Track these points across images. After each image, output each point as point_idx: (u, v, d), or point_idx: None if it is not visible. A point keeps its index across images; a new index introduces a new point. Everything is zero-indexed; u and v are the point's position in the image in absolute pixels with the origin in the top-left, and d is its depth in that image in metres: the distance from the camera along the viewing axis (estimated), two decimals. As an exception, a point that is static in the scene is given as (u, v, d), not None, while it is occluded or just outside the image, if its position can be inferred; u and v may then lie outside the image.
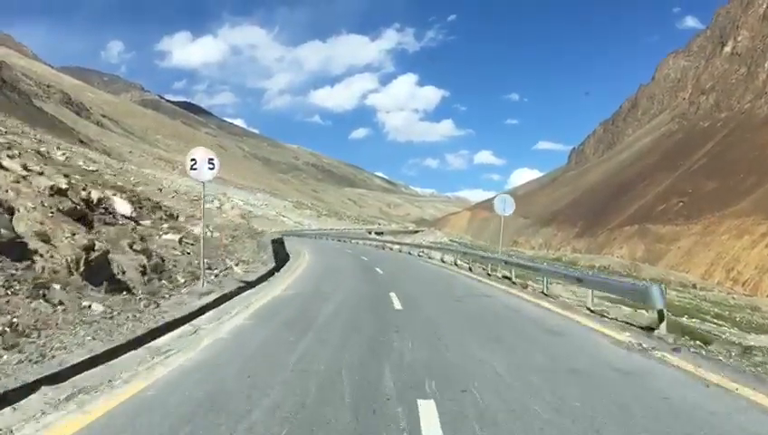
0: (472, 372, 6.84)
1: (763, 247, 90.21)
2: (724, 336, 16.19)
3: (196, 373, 6.58)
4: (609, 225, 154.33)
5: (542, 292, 16.21)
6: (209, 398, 5.62)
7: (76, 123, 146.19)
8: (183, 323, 9.85)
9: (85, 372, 6.47)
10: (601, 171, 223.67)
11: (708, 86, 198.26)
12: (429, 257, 35.49)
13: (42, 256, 10.57)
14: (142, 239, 15.93)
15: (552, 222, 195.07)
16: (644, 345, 8.81)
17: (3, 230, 9.85)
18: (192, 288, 13.79)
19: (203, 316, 10.82)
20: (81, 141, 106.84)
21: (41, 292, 9.10)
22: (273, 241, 33.04)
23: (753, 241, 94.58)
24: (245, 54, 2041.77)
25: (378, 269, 24.68)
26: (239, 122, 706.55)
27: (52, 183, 14.09)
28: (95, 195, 16.54)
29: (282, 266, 23.38)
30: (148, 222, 20.70)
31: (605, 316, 12.16)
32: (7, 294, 8.40)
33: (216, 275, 17.22)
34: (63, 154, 54.51)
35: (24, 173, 14.36)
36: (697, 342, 9.21)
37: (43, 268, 10.20)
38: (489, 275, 22.44)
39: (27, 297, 8.66)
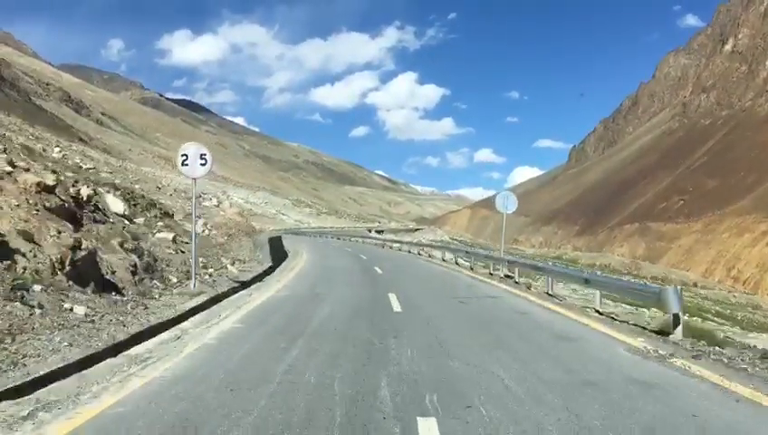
0: (477, 383, 6.26)
1: (764, 246, 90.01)
2: (727, 335, 15.76)
3: (174, 386, 5.98)
4: (609, 223, 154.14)
5: (547, 292, 15.56)
6: (184, 417, 5.03)
7: (76, 121, 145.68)
8: (169, 327, 9.32)
9: (53, 385, 5.91)
10: (602, 169, 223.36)
11: (709, 84, 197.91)
12: (430, 256, 34.88)
13: (24, 255, 10.05)
14: (134, 238, 15.41)
15: (552, 220, 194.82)
16: (661, 352, 8.21)
17: (-19, 229, 9.33)
18: (183, 289, 13.30)
19: (191, 319, 10.29)
20: (81, 139, 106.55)
21: (19, 294, 8.54)
22: (271, 239, 32.65)
23: (753, 239, 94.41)
24: (245, 52, 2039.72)
25: (377, 268, 24.08)
26: (239, 120, 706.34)
27: (38, 179, 13.48)
28: (85, 192, 15.90)
29: (278, 266, 22.86)
30: (141, 220, 20.19)
31: (615, 319, 11.57)
32: (-20, 296, 7.77)
33: (210, 275, 16.78)
34: (60, 151, 54.18)
35: (9, 169, 13.83)
36: (716, 347, 8.59)
37: (25, 268, 9.67)
38: (491, 274, 21.84)
39: (3, 299, 8.11)
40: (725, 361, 7.70)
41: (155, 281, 13.51)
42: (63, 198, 13.82)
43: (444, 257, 31.55)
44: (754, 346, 9.54)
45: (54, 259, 10.36)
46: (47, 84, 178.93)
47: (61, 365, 6.39)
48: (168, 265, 15.52)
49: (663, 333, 9.64)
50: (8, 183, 12.62)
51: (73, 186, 15.99)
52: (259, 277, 18.11)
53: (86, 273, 10.79)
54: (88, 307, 9.32)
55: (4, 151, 18.79)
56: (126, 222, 18.02)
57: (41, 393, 5.64)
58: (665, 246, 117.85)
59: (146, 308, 10.54)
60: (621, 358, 8.03)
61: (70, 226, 12.50)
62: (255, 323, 10.13)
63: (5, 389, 5.46)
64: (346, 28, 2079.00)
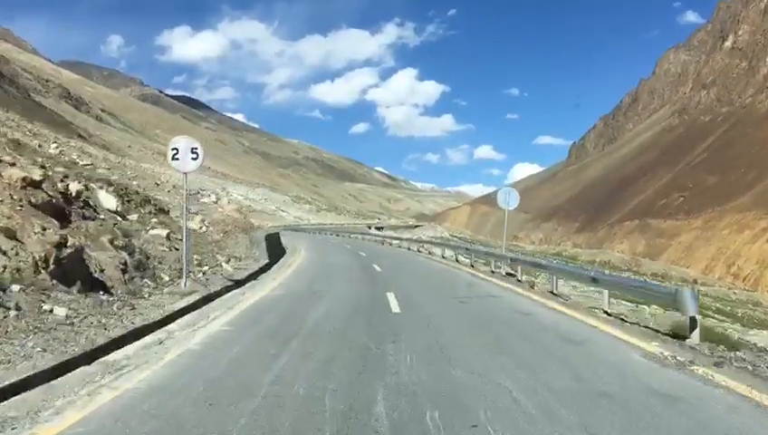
0: (482, 396, 5.70)
1: (764, 242, 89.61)
2: (741, 338, 15.32)
3: (148, 400, 5.42)
4: (609, 220, 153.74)
5: (551, 291, 14.95)
6: (152, 440, 4.44)
7: (75, 118, 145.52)
8: (154, 330, 8.80)
9: (16, 397, 5.38)
10: (602, 166, 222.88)
11: (709, 81, 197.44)
12: (430, 253, 34.22)
13: (5, 253, 9.57)
14: (126, 235, 14.92)
15: (552, 217, 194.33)
16: (679, 358, 7.63)
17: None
18: (174, 288, 12.79)
19: (179, 321, 9.75)
20: (80, 136, 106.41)
21: (-6, 294, 8.10)
22: (268, 236, 32.22)
23: (754, 236, 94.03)
24: (245, 49, 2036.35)
25: (375, 266, 23.49)
26: (239, 117, 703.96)
27: (24, 174, 13.00)
28: (74, 187, 15.43)
29: (275, 263, 22.37)
30: (135, 216, 19.77)
31: (624, 320, 11.00)
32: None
33: (204, 273, 16.29)
34: (57, 148, 53.95)
35: (-7, 164, 13.39)
36: (737, 353, 8.03)
37: (5, 267, 9.19)
38: (493, 271, 21.34)
39: (-24, 301, 7.70)
40: (750, 368, 7.14)
41: (146, 279, 13.03)
42: (51, 193, 13.37)
43: (444, 254, 30.96)
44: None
45: (38, 257, 9.89)
46: (46, 81, 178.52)
47: (29, 374, 5.87)
48: (160, 263, 15.02)
49: (678, 336, 9.10)
50: (-9, 178, 12.18)
51: (62, 181, 15.54)
52: (254, 275, 17.58)
53: (72, 271, 10.34)
54: (70, 308, 8.86)
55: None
56: (118, 218, 17.61)
57: (2, 408, 5.12)
58: (665, 243, 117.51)
59: (133, 309, 10.04)
60: (637, 365, 7.48)
61: (56, 222, 12.06)
62: (246, 324, 9.60)
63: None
64: (346, 24, 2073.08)
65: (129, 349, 7.59)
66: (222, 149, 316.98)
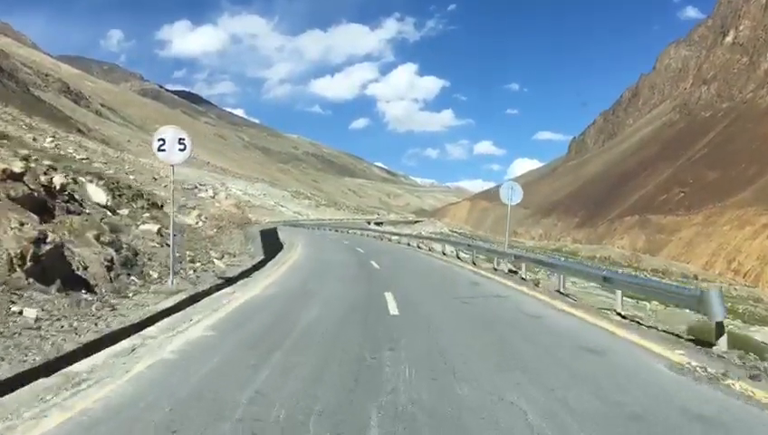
0: (494, 420, 4.94)
1: (765, 238, 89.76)
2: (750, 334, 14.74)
3: (99, 427, 4.66)
4: (609, 215, 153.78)
5: (558, 290, 14.19)
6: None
7: (74, 112, 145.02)
8: (130, 334, 8.07)
9: (-49, 420, 4.64)
10: (602, 161, 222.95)
11: (709, 76, 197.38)
12: (430, 249, 33.58)
13: (-23, 250, 8.93)
14: (114, 230, 14.18)
15: (552, 212, 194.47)
16: (710, 370, 6.88)
17: None
18: (161, 286, 12.08)
19: (159, 323, 9.01)
20: (79, 130, 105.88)
21: (-42, 295, 7.43)
22: (266, 232, 31.61)
23: (754, 232, 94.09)
24: (245, 44, 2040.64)
25: (373, 263, 22.78)
26: (239, 112, 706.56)
27: (4, 166, 12.36)
28: (58, 180, 14.69)
29: (270, 259, 21.64)
30: (125, 211, 19.05)
31: (641, 323, 10.26)
32: None
33: (195, 270, 15.57)
34: (53, 141, 53.26)
35: (-32, 156, 12.76)
36: (768, 363, 7.35)
37: (-26, 265, 8.56)
38: (495, 269, 20.64)
39: (-64, 303, 7.05)
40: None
41: (133, 277, 12.31)
42: (33, 186, 12.67)
43: (444, 251, 30.29)
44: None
45: (13, 254, 9.16)
46: (46, 75, 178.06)
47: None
48: (150, 260, 14.28)
49: (702, 342, 8.38)
50: (-35, 171, 11.54)
51: (45, 174, 14.83)
52: (247, 273, 16.88)
53: (52, 269, 9.62)
54: (43, 309, 8.16)
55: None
56: (108, 213, 16.94)
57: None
58: (665, 239, 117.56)
59: (113, 309, 9.32)
60: (665, 379, 6.68)
61: (35, 217, 11.35)
62: (230, 329, 8.82)
63: None
64: (346, 19, 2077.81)
65: (97, 357, 6.86)
66: (221, 143, 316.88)
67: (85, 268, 10.91)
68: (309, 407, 5.14)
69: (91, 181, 19.65)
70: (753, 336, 13.67)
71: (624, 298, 15.03)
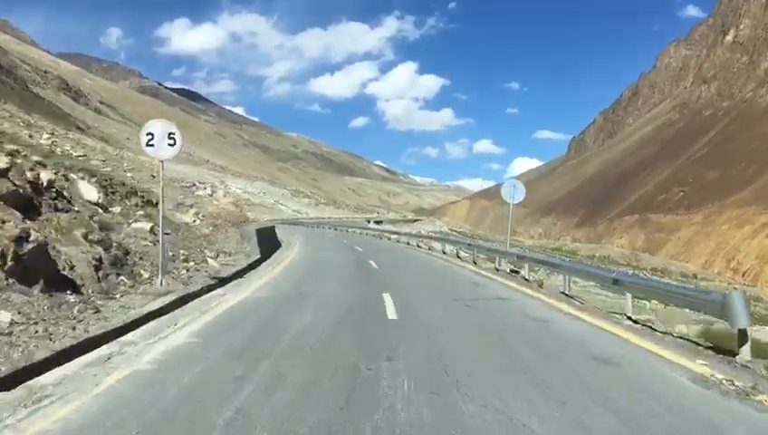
0: None
1: (764, 237, 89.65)
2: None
3: None
4: (608, 214, 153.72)
5: (564, 292, 13.79)
6: None
7: (73, 109, 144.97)
8: (109, 340, 7.59)
9: None
10: (601, 161, 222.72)
11: (710, 75, 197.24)
12: (430, 249, 33.39)
13: (-46, 249, 8.45)
14: (104, 228, 13.88)
15: (551, 212, 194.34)
16: (738, 383, 6.43)
17: None
18: (150, 287, 11.76)
19: (142, 328, 8.57)
20: (78, 128, 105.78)
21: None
22: (263, 230, 31.54)
23: (753, 231, 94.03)
24: (245, 42, 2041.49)
25: (372, 263, 22.48)
26: (238, 110, 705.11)
27: (-14, 162, 12.11)
28: (45, 176, 14.15)
29: (266, 259, 21.40)
30: (118, 209, 18.69)
31: (654, 329, 9.82)
32: None
33: (188, 270, 15.28)
34: (49, 138, 53.19)
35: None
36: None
37: (-49, 265, 8.17)
38: (497, 269, 20.34)
39: None
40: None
41: (122, 277, 11.95)
42: (18, 183, 12.06)
43: (444, 250, 30.08)
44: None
45: (-7, 253, 8.76)
46: (45, 72, 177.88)
47: None
48: (141, 259, 13.90)
49: (722, 350, 8.00)
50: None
51: (32, 170, 14.41)
52: (241, 273, 16.59)
53: (35, 268, 9.30)
54: (20, 312, 7.81)
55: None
56: (99, 211, 16.46)
57: None
58: (664, 238, 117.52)
59: (96, 312, 8.92)
60: (691, 395, 6.17)
61: (18, 214, 10.70)
62: (216, 334, 8.38)
63: None
64: (345, 18, 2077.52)
65: (69, 367, 6.35)
66: (221, 142, 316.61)
67: (72, 268, 10.62)
68: (294, 430, 4.71)
69: (82, 178, 19.18)
70: (754, 337, 13.64)
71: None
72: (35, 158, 18.98)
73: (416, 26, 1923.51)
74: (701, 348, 8.36)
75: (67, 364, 6.42)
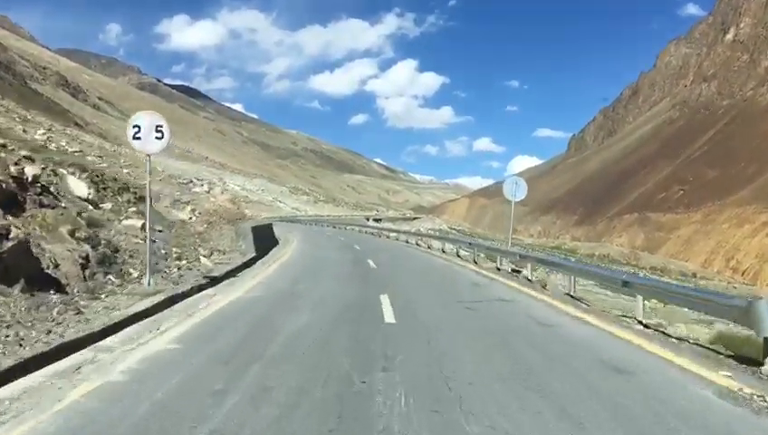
0: None
1: (764, 236, 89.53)
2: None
3: None
4: (608, 213, 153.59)
5: (569, 294, 13.24)
6: None
7: (72, 106, 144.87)
8: (85, 346, 6.98)
9: None
10: (601, 159, 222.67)
11: (710, 73, 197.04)
12: (429, 247, 32.90)
13: (-72, 247, 7.90)
14: (92, 225, 13.36)
15: (551, 210, 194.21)
16: None
17: None
18: (137, 287, 11.22)
19: (123, 332, 7.96)
20: (77, 124, 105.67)
21: None
22: (260, 227, 31.14)
23: (753, 230, 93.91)
24: (244, 38, 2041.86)
25: (370, 262, 21.91)
26: (238, 107, 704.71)
27: (-37, 156, 11.57)
28: (30, 171, 13.66)
29: (261, 257, 20.92)
30: (109, 205, 18.07)
31: (667, 335, 9.27)
32: None
33: (180, 268, 14.75)
34: (44, 134, 52.78)
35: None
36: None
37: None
38: (498, 269, 19.86)
39: None
40: None
41: (110, 276, 11.42)
42: (0, 177, 11.97)
43: (444, 249, 29.66)
44: None
45: (-31, 252, 8.22)
46: (44, 68, 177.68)
47: None
48: (131, 257, 13.34)
49: (743, 359, 7.44)
50: None
51: (16, 164, 13.91)
52: (235, 271, 16.08)
53: (16, 267, 8.76)
54: None
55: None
56: (89, 207, 15.93)
57: None
58: (664, 237, 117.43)
59: (78, 313, 8.38)
60: (719, 411, 5.58)
61: None
62: (201, 339, 7.76)
63: None
64: (345, 15, 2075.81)
65: (35, 377, 5.73)
66: (220, 139, 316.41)
67: (56, 266, 10.15)
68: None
69: (72, 173, 18.66)
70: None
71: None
72: (23, 152, 18.39)
73: (416, 24, 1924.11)
74: (722, 357, 7.77)
75: (34, 374, 5.80)
